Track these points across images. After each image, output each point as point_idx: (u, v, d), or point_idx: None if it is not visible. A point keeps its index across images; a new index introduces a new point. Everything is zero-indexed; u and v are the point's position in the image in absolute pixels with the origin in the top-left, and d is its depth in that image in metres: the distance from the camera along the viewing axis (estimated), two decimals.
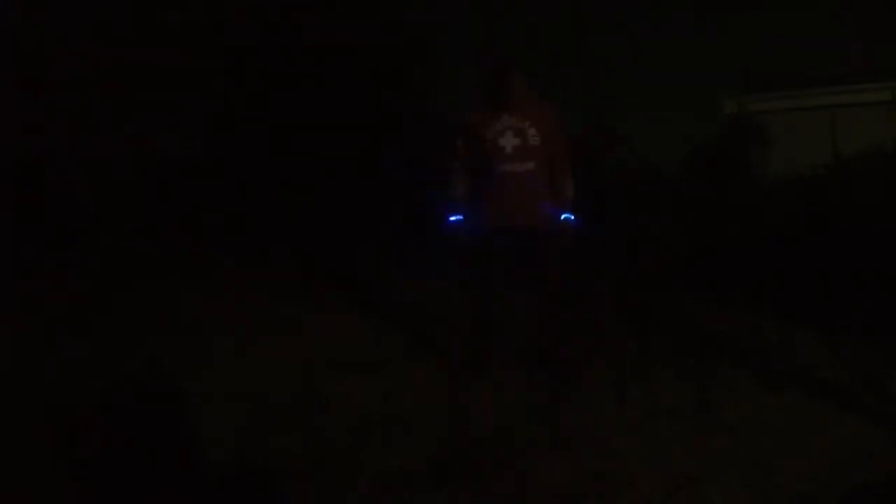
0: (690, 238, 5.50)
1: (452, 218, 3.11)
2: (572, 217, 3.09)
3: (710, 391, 2.95)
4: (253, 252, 6.10)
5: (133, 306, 4.43)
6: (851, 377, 3.09)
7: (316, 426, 2.65)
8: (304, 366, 3.33)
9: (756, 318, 4.00)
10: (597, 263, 5.02)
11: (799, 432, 2.54)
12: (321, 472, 2.28)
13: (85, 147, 5.98)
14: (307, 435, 2.56)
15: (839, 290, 3.94)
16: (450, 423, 2.67)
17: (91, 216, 6.05)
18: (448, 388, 3.05)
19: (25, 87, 5.78)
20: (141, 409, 2.85)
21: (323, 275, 5.61)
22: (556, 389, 2.98)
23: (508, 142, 2.96)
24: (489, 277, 3.10)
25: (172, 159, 6.60)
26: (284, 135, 6.80)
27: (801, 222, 5.03)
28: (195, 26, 6.30)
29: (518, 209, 2.96)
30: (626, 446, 2.45)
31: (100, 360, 3.35)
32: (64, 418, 2.65)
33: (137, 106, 6.10)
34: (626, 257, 5.31)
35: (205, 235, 6.31)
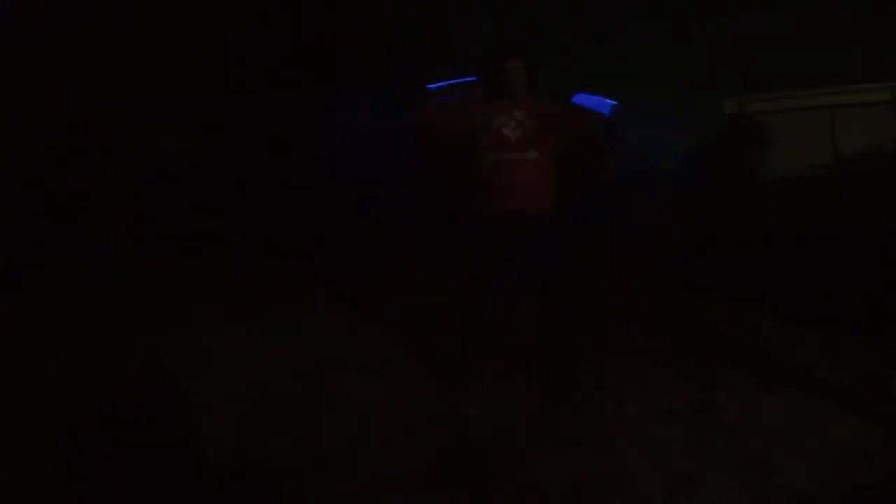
0: (690, 238, 5.50)
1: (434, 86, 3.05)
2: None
3: (710, 391, 2.95)
4: (253, 252, 6.10)
5: (133, 306, 4.43)
6: (851, 377, 3.10)
7: (316, 426, 2.65)
8: (304, 366, 3.33)
9: (756, 318, 4.00)
10: (596, 263, 5.02)
11: (799, 432, 2.54)
12: (321, 472, 2.28)
13: (85, 147, 5.98)
14: (307, 435, 2.56)
15: (839, 290, 3.94)
16: (449, 424, 2.67)
17: (91, 216, 6.05)
18: (448, 388, 3.04)
19: (26, 86, 5.78)
20: (141, 408, 2.85)
21: (323, 275, 5.60)
22: (556, 390, 2.97)
23: (511, 132, 2.96)
24: (480, 271, 3.06)
25: (172, 159, 6.60)
26: (284, 134, 6.81)
27: (801, 222, 5.03)
28: (195, 26, 6.30)
29: (519, 197, 2.95)
30: (626, 446, 2.45)
31: (100, 360, 3.35)
32: (64, 418, 2.65)
33: (137, 106, 6.10)
34: (625, 257, 5.31)
35: (205, 235, 6.31)
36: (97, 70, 5.86)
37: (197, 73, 6.36)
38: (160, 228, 6.35)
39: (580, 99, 3.05)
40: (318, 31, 7.01)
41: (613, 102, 3.01)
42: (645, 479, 2.21)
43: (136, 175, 6.39)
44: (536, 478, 2.23)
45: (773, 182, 7.01)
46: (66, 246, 5.74)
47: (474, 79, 3.07)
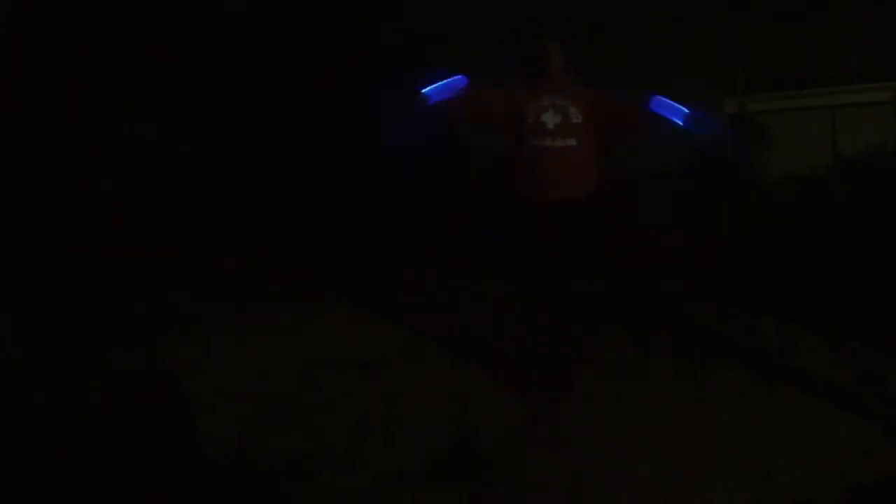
0: (690, 238, 5.50)
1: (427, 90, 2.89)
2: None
3: (710, 391, 2.96)
4: (253, 252, 6.10)
5: (133, 306, 4.43)
6: (851, 377, 3.10)
7: (316, 426, 2.65)
8: (304, 366, 3.33)
9: (756, 318, 4.01)
10: (596, 263, 5.01)
11: (799, 432, 2.54)
12: (321, 472, 2.28)
13: (85, 146, 5.98)
14: (307, 435, 2.56)
15: (839, 290, 3.94)
16: (450, 424, 2.67)
17: (91, 216, 6.05)
18: (448, 389, 3.05)
19: (25, 86, 5.78)
20: (140, 409, 2.85)
21: (323, 274, 5.60)
22: (556, 390, 2.97)
23: (550, 119, 2.91)
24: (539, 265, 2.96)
25: (173, 159, 6.59)
26: (284, 134, 6.80)
27: (801, 222, 5.03)
28: (196, 25, 6.30)
29: (558, 184, 2.90)
30: (626, 446, 2.45)
31: (100, 360, 3.35)
32: (64, 418, 2.65)
33: (138, 105, 6.10)
34: (625, 257, 5.31)
35: (205, 235, 6.31)
36: (98, 69, 5.85)
37: (198, 72, 6.36)
38: (160, 228, 6.35)
39: (656, 105, 2.96)
40: (319, 31, 7.01)
41: (688, 111, 2.91)
42: (645, 479, 2.21)
43: (137, 175, 6.38)
44: (536, 478, 2.23)
45: (773, 182, 7.01)
46: (66, 245, 5.74)
47: (462, 78, 2.94)
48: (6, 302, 4.41)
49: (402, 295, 4.87)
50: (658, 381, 3.10)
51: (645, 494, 2.12)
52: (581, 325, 3.23)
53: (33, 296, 4.62)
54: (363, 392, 3.01)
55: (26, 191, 5.79)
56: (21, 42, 5.74)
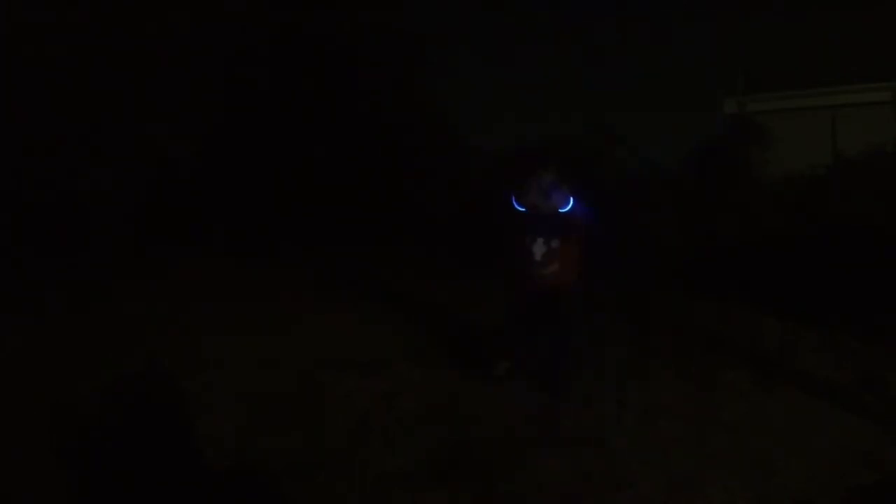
0: (691, 238, 5.49)
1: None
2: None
3: (710, 391, 2.96)
4: (253, 253, 6.11)
5: (133, 306, 4.43)
6: (851, 377, 3.10)
7: (316, 426, 2.65)
8: (304, 366, 3.34)
9: (756, 318, 4.01)
10: (597, 264, 5.02)
11: (799, 432, 2.54)
12: (321, 472, 2.28)
13: (87, 148, 5.98)
14: (307, 435, 2.56)
15: (839, 290, 3.94)
16: (450, 424, 2.67)
17: (91, 216, 6.06)
18: (448, 389, 3.05)
19: (27, 87, 5.78)
20: (141, 408, 2.85)
21: (324, 275, 5.61)
22: (554, 394, 2.98)
23: (538, 250, 3.06)
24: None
25: (174, 160, 6.60)
26: (285, 135, 6.80)
27: (801, 222, 5.02)
28: (197, 25, 6.29)
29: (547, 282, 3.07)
30: (626, 446, 2.45)
31: (100, 360, 3.35)
32: (64, 418, 2.65)
33: (139, 106, 6.10)
34: (626, 257, 5.31)
35: (205, 236, 6.32)
36: (100, 72, 5.85)
37: (199, 73, 6.36)
38: (160, 228, 6.35)
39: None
40: (320, 34, 7.01)
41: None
42: (645, 479, 2.21)
43: (137, 175, 6.38)
44: (536, 478, 2.23)
45: (773, 182, 7.00)
46: (66, 246, 5.75)
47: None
48: (6, 302, 4.41)
49: (402, 295, 4.87)
50: (658, 381, 3.10)
51: (645, 494, 2.12)
52: (581, 328, 3.24)
53: (33, 296, 4.62)
54: (363, 392, 3.01)
55: (27, 191, 5.79)
56: (22, 42, 5.74)
